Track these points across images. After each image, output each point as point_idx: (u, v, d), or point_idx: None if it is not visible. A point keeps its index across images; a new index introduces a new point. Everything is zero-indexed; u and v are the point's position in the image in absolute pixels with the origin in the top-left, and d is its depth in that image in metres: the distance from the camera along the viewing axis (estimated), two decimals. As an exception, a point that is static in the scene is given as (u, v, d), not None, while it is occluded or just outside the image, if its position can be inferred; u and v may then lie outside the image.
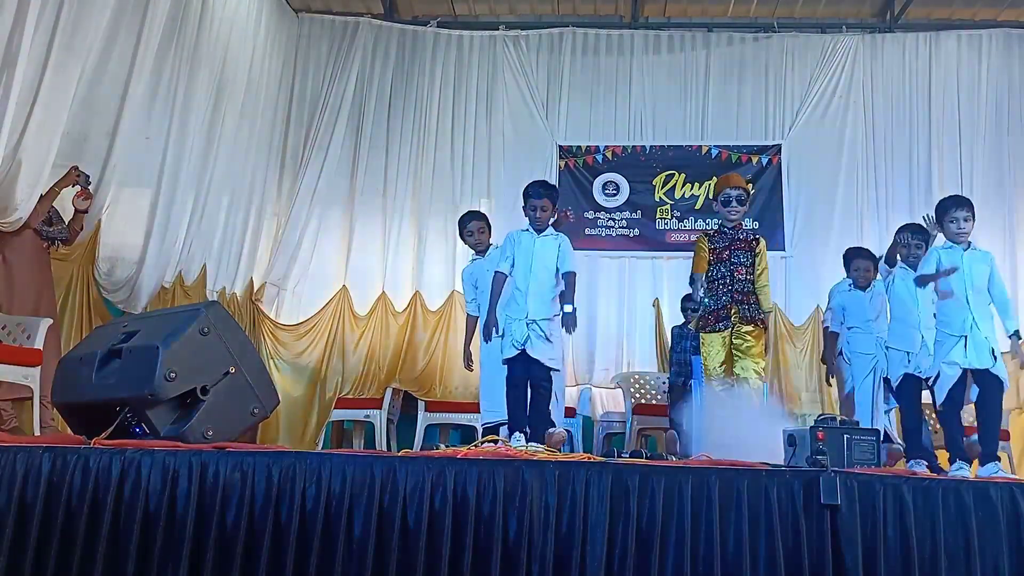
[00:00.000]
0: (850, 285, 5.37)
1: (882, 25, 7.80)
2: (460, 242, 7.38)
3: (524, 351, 4.35)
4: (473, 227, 5.26)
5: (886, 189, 7.37)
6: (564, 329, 4.45)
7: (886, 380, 5.06)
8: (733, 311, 4.41)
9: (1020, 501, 2.57)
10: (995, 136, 7.34)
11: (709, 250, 4.56)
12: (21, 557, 2.53)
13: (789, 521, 2.52)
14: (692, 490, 2.53)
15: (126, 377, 3.12)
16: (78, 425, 3.36)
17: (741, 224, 4.64)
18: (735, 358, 4.38)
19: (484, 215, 5.43)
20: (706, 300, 4.50)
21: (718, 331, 4.41)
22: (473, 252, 5.37)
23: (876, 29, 7.77)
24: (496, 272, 4.61)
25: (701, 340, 4.50)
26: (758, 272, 4.53)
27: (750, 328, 4.37)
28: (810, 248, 7.25)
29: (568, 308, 4.44)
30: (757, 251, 4.54)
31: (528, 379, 4.38)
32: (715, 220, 7.00)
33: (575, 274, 4.57)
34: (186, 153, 6.00)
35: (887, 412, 5.26)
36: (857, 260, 5.41)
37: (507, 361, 4.44)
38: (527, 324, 4.37)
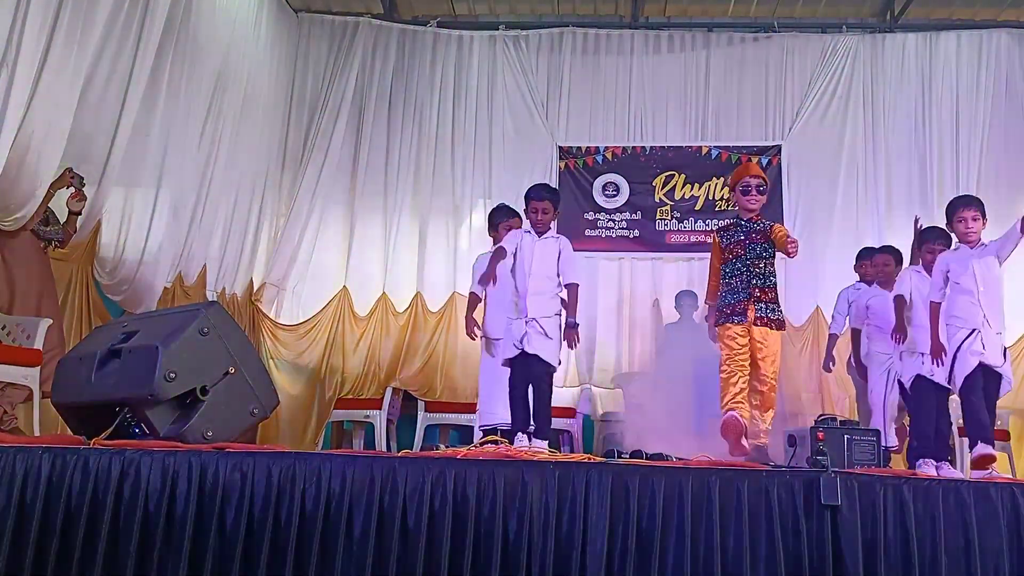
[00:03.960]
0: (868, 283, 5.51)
1: (882, 25, 7.80)
2: (461, 242, 7.46)
3: (523, 350, 4.32)
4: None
5: (886, 189, 7.36)
6: (566, 343, 4.40)
7: (900, 383, 5.08)
8: (750, 309, 4.33)
9: (1020, 501, 2.57)
10: (995, 136, 7.33)
11: (723, 246, 4.49)
12: (21, 557, 2.53)
13: (789, 521, 2.52)
14: (692, 490, 2.53)
15: (126, 377, 3.12)
16: (78, 425, 3.36)
17: (759, 216, 4.55)
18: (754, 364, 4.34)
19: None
20: (728, 294, 4.44)
21: (737, 323, 4.35)
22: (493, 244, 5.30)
23: (876, 29, 7.77)
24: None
25: (719, 334, 4.44)
26: (786, 242, 4.35)
27: (768, 332, 4.32)
28: (810, 248, 7.22)
29: (571, 321, 4.39)
30: (774, 237, 4.44)
31: (528, 379, 4.35)
32: (715, 221, 7.04)
33: (578, 285, 4.50)
34: (186, 153, 5.99)
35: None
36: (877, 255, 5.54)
37: (507, 362, 4.42)
38: (526, 323, 4.35)
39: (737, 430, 4.09)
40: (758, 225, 4.46)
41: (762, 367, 4.30)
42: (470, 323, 4.97)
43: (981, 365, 3.90)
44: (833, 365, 5.86)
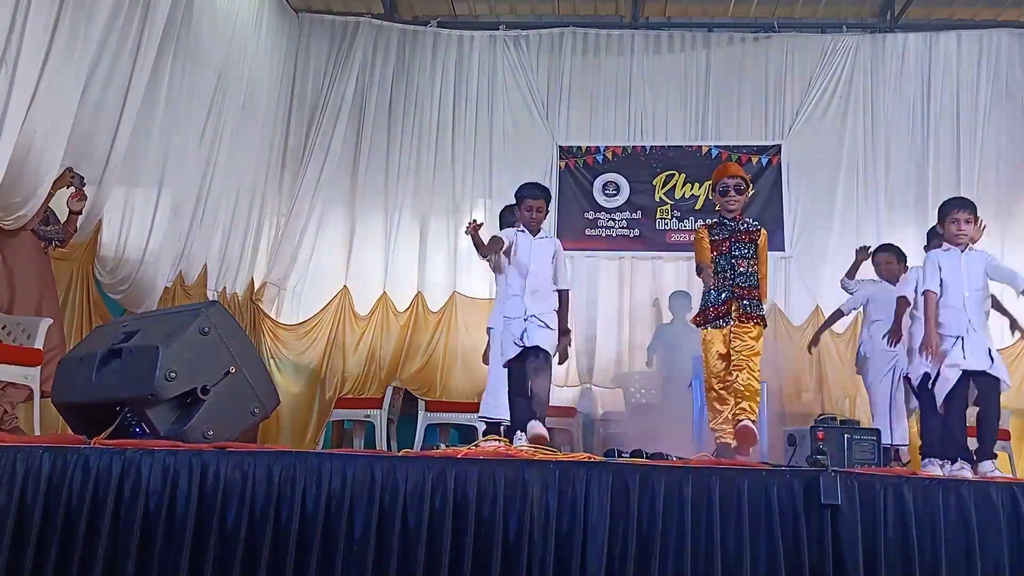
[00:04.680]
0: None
1: (882, 25, 7.80)
2: (461, 242, 7.45)
3: (523, 346, 4.32)
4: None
5: (886, 189, 7.37)
6: (557, 356, 4.42)
7: (907, 379, 5.07)
8: (733, 307, 4.34)
9: (1020, 501, 2.57)
10: (994, 136, 7.33)
11: (710, 242, 4.50)
12: (21, 557, 2.53)
13: (789, 521, 2.52)
14: (692, 490, 2.53)
15: (126, 377, 3.12)
16: (78, 425, 3.36)
17: (741, 215, 4.56)
18: (732, 357, 4.34)
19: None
20: (712, 292, 4.44)
21: (718, 327, 4.36)
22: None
23: (876, 29, 7.77)
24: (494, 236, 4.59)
25: (701, 336, 4.46)
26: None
27: (749, 327, 4.32)
28: (810, 248, 7.25)
29: (563, 327, 4.46)
30: (759, 243, 4.47)
31: (527, 374, 4.33)
32: (714, 221, 7.03)
33: (569, 291, 4.58)
34: (187, 153, 5.99)
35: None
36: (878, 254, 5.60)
37: (508, 363, 4.41)
38: (525, 320, 4.35)
39: (726, 450, 4.18)
40: (742, 225, 4.49)
41: (737, 355, 4.29)
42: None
43: (964, 374, 3.92)
44: (815, 347, 6.01)
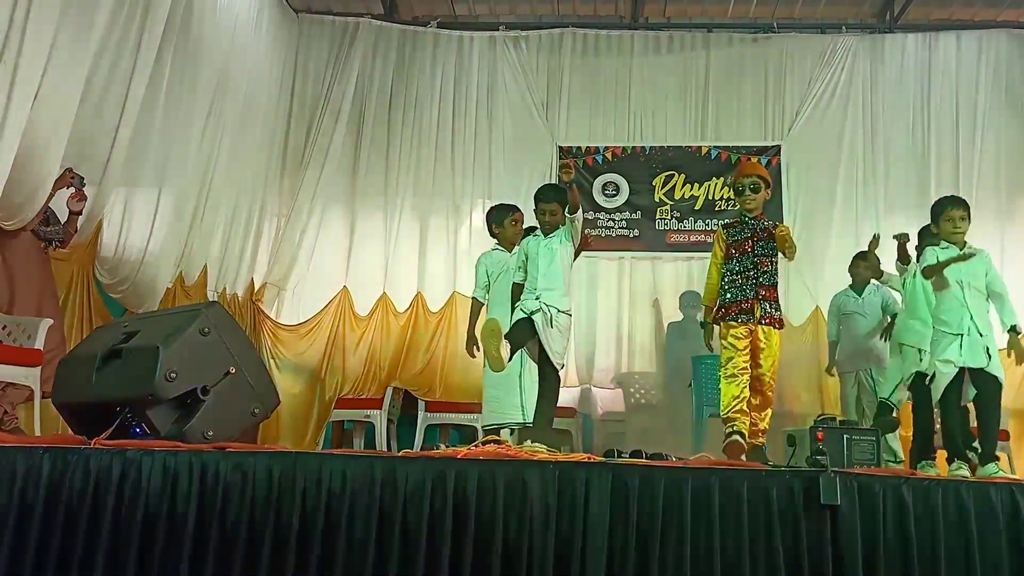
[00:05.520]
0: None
1: (882, 25, 7.80)
2: (461, 242, 7.46)
3: (532, 320, 4.25)
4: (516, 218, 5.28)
5: (885, 189, 7.37)
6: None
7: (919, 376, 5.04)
8: (757, 309, 4.32)
9: (1020, 501, 2.57)
10: (994, 136, 7.34)
11: (729, 243, 4.46)
12: (22, 557, 2.54)
13: (789, 521, 2.52)
14: (692, 490, 2.53)
15: (126, 377, 3.12)
16: (78, 425, 3.37)
17: (763, 214, 4.53)
18: (759, 364, 4.32)
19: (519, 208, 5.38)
20: (733, 288, 4.41)
21: (741, 322, 4.33)
22: (497, 242, 5.32)
23: (876, 29, 7.77)
24: (514, 284, 4.62)
25: (723, 329, 4.42)
26: (785, 244, 4.36)
27: (770, 330, 4.31)
28: (809, 248, 7.23)
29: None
30: (779, 235, 4.40)
31: (531, 338, 4.29)
32: (714, 221, 7.06)
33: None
34: (187, 153, 5.99)
35: None
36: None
37: (515, 323, 4.35)
38: (538, 300, 4.30)
39: (739, 453, 4.14)
40: (763, 223, 4.46)
41: (763, 366, 4.29)
42: (471, 340, 5.07)
43: (961, 371, 3.91)
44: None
